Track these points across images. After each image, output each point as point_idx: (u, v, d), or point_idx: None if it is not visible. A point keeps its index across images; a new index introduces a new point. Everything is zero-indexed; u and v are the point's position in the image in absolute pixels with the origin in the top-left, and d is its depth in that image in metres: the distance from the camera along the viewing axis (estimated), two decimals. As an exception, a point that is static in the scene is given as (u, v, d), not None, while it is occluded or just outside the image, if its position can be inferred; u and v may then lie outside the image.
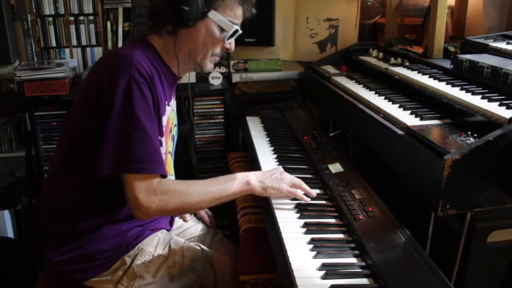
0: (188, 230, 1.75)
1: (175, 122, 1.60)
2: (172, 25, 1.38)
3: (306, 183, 1.59)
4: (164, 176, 1.32)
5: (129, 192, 1.28)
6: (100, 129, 1.28)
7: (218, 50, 1.47)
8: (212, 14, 1.39)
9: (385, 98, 1.71)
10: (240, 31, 1.46)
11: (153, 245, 1.47)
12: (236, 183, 1.41)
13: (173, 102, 1.56)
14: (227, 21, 1.41)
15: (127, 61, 1.29)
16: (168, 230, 1.61)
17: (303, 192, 1.49)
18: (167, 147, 1.47)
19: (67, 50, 2.58)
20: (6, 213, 2.47)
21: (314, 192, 1.50)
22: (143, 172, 1.27)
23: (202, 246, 1.58)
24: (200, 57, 1.45)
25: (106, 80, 1.28)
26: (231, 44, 1.47)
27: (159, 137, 1.37)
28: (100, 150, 1.26)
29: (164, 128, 1.43)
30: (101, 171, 1.26)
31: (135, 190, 1.26)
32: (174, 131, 1.59)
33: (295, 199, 1.49)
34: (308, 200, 1.48)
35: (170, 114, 1.51)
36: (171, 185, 1.33)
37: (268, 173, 1.49)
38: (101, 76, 1.31)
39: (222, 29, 1.42)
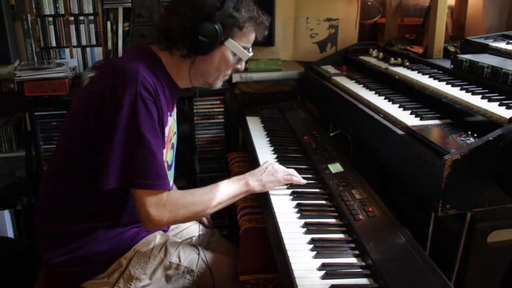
0: (186, 230, 1.76)
1: (175, 130, 1.62)
2: (188, 52, 1.38)
3: (306, 183, 1.60)
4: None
5: (140, 207, 1.30)
6: (101, 140, 1.29)
7: (229, 71, 1.50)
8: (229, 43, 1.40)
9: (385, 98, 1.71)
10: (252, 53, 1.48)
11: (149, 247, 1.47)
12: (237, 186, 1.47)
13: (174, 111, 1.58)
14: (242, 48, 1.42)
15: (133, 76, 1.28)
16: (165, 231, 1.61)
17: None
18: (166, 157, 1.49)
19: (67, 50, 2.58)
20: (6, 213, 2.47)
21: (304, 181, 1.59)
22: (148, 188, 1.29)
23: (199, 247, 1.58)
24: (212, 78, 1.48)
25: (109, 93, 1.28)
26: (241, 64, 1.50)
27: (162, 149, 1.39)
28: (104, 164, 1.27)
29: (165, 138, 1.44)
30: (106, 186, 1.27)
31: (146, 206, 1.29)
32: (174, 139, 1.61)
33: (295, 198, 1.50)
34: (304, 182, 1.57)
35: (171, 124, 1.52)
36: (179, 197, 1.37)
37: (261, 169, 1.55)
38: (103, 87, 1.30)
39: (235, 54, 1.44)
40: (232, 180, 1.48)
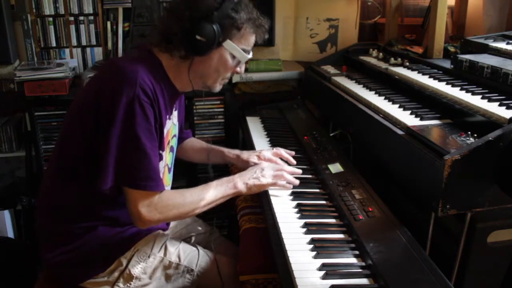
0: (185, 229, 1.76)
1: (175, 132, 1.62)
2: (186, 52, 1.38)
3: (306, 183, 1.60)
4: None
5: (131, 206, 1.32)
6: (99, 140, 1.29)
7: (229, 74, 1.49)
8: (227, 44, 1.40)
9: (385, 98, 1.71)
10: (251, 56, 1.48)
11: (149, 246, 1.48)
12: (225, 188, 1.49)
13: (174, 115, 1.57)
14: (241, 50, 1.42)
15: (132, 78, 1.28)
16: (164, 230, 1.61)
17: (286, 181, 1.57)
18: (166, 160, 1.49)
19: (67, 50, 2.58)
20: (6, 213, 2.47)
21: (297, 181, 1.58)
22: (141, 188, 1.31)
23: (199, 247, 1.58)
24: (211, 81, 1.48)
25: (108, 93, 1.28)
26: (241, 67, 1.50)
27: (160, 151, 1.40)
28: (101, 165, 1.28)
29: (163, 141, 1.44)
30: (104, 186, 1.28)
31: (138, 205, 1.31)
32: (173, 142, 1.61)
33: (295, 198, 1.50)
34: (290, 187, 1.56)
35: (170, 127, 1.52)
36: (170, 199, 1.38)
37: (250, 172, 1.56)
38: (103, 87, 1.31)
39: (234, 56, 1.43)
40: (221, 182, 1.49)
